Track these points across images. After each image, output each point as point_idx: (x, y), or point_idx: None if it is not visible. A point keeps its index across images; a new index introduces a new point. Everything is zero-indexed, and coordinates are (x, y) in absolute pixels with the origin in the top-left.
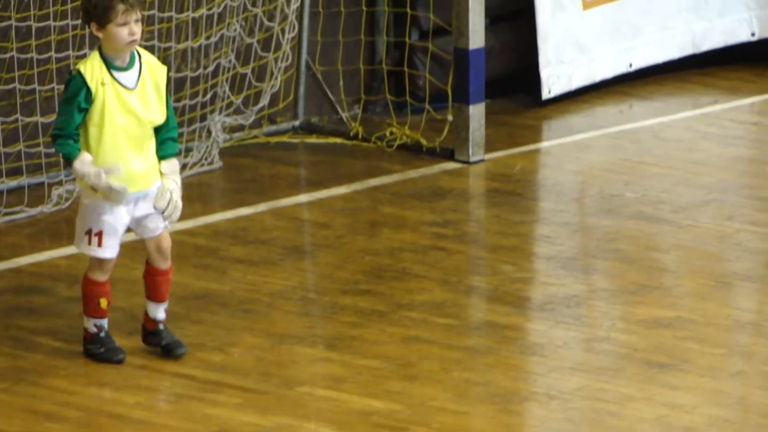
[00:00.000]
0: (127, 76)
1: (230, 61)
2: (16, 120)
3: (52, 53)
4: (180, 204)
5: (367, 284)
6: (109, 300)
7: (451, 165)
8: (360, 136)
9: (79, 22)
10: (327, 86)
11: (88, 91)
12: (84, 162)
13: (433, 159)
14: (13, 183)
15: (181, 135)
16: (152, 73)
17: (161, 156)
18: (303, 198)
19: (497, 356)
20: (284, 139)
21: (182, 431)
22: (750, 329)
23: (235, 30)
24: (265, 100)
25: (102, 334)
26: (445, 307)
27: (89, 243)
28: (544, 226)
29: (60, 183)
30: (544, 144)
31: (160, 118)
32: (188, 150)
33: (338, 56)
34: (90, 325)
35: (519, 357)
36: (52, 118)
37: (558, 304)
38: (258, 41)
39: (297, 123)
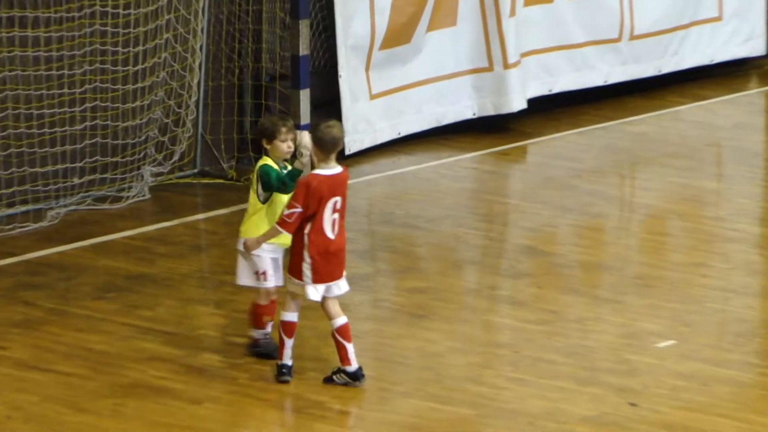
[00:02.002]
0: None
1: (155, 133)
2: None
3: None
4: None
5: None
6: (271, 317)
7: None
8: (234, 178)
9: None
10: (214, 148)
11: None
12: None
13: None
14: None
15: (123, 179)
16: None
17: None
18: (200, 216)
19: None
20: (188, 180)
21: (127, 359)
22: (474, 293)
23: (158, 114)
24: (176, 157)
25: (264, 340)
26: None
27: (257, 279)
28: (347, 231)
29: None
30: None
31: None
32: (129, 188)
33: (221, 129)
34: (255, 333)
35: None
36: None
37: (356, 279)
38: (172, 121)
39: (196, 170)
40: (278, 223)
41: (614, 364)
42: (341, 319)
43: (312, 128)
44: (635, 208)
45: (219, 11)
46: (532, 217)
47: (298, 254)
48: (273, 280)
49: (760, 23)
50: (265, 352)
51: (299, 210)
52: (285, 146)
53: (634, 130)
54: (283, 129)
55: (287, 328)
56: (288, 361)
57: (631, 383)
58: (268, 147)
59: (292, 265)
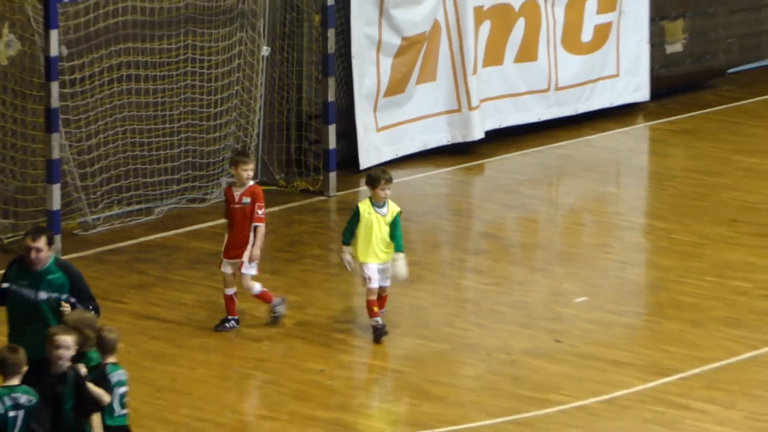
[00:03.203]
0: (382, 210)
1: (229, 154)
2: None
3: None
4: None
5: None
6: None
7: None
8: (283, 185)
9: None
10: (269, 165)
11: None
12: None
13: (312, 195)
14: None
15: (207, 186)
16: (392, 210)
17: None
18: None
19: None
20: None
21: (210, 311)
22: (448, 265)
23: (231, 141)
24: None
25: (379, 325)
26: None
27: (364, 283)
28: None
29: None
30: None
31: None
32: (211, 192)
33: (274, 152)
34: (373, 321)
35: None
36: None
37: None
38: (240, 146)
39: (257, 180)
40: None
41: (545, 313)
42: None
43: None
44: (559, 206)
45: (273, 71)
46: (488, 212)
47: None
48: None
49: (645, 78)
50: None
51: None
52: (383, 194)
53: (559, 152)
54: (383, 179)
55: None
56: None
57: (557, 326)
58: (371, 192)
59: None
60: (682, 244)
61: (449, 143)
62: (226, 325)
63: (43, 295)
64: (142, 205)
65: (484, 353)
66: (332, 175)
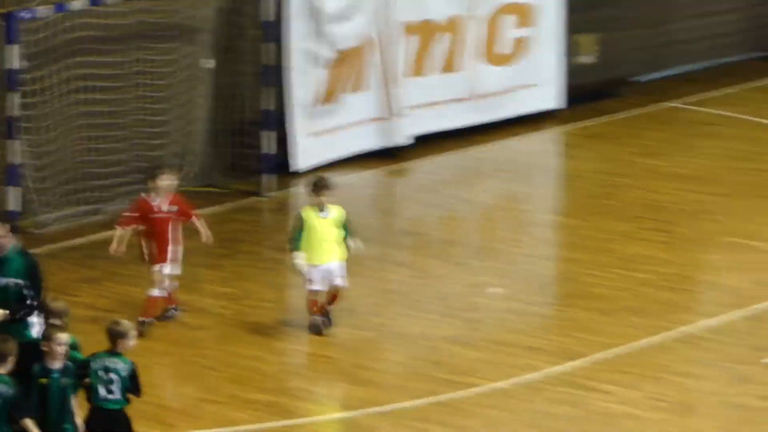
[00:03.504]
0: (324, 214)
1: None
2: None
3: None
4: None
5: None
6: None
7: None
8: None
9: None
10: (211, 168)
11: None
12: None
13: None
14: None
15: None
16: (339, 213)
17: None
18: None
19: None
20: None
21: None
22: (374, 260)
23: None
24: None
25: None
26: None
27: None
28: None
29: None
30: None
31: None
32: None
33: (215, 155)
34: (311, 318)
35: None
36: None
37: None
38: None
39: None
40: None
41: (463, 303)
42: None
43: None
44: (476, 205)
45: (216, 82)
46: (411, 211)
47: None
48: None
49: (559, 87)
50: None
51: None
52: (323, 199)
53: (478, 155)
54: (322, 188)
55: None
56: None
57: (475, 315)
58: (312, 198)
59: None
60: (591, 239)
61: (377, 148)
62: (167, 315)
63: (2, 280)
64: (92, 205)
65: (409, 341)
66: (268, 178)
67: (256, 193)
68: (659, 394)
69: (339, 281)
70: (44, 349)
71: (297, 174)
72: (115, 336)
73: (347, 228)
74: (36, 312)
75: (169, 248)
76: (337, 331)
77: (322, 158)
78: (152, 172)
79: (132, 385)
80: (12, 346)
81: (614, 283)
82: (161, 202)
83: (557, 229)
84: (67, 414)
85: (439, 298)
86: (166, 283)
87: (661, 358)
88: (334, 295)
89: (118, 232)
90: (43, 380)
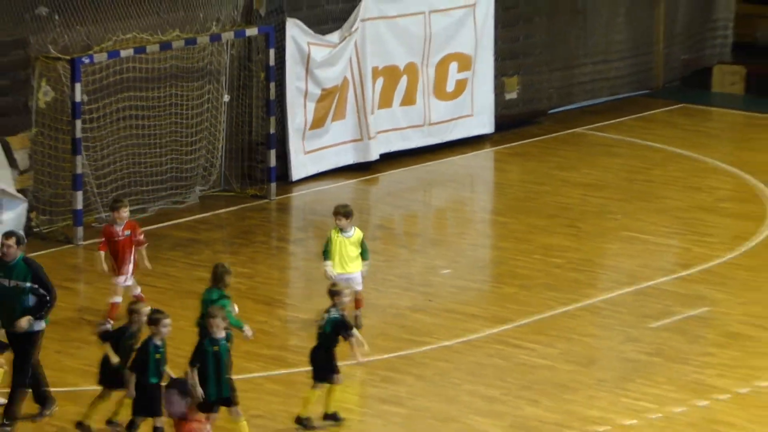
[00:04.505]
0: (348, 234)
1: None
2: None
3: None
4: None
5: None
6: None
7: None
8: (239, 192)
9: None
10: (229, 177)
11: (330, 240)
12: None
13: (258, 198)
14: None
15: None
16: (357, 234)
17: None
18: (222, 210)
19: None
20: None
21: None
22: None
23: (202, 160)
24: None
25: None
26: None
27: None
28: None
29: None
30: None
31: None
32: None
33: (233, 168)
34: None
35: None
36: None
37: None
38: (209, 164)
39: (220, 188)
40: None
41: (422, 281)
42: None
43: None
44: (431, 207)
45: (231, 112)
46: (381, 211)
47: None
48: None
49: (491, 117)
50: None
51: None
52: (340, 223)
53: (431, 169)
54: (341, 215)
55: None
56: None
57: (430, 290)
58: (336, 221)
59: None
60: (517, 232)
61: (354, 162)
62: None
63: (12, 282)
64: (139, 206)
65: (379, 309)
66: (272, 185)
67: (264, 197)
68: (569, 351)
69: (358, 287)
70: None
71: (293, 183)
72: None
73: (364, 246)
74: (49, 306)
75: (127, 266)
76: (324, 302)
77: (312, 171)
78: (112, 205)
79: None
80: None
81: (534, 266)
82: (122, 228)
83: (491, 224)
84: None
85: (402, 277)
86: (120, 292)
87: (571, 323)
88: (358, 299)
89: (101, 254)
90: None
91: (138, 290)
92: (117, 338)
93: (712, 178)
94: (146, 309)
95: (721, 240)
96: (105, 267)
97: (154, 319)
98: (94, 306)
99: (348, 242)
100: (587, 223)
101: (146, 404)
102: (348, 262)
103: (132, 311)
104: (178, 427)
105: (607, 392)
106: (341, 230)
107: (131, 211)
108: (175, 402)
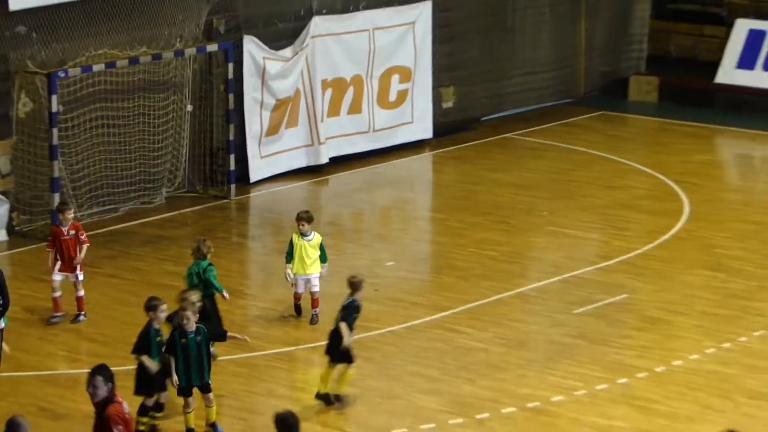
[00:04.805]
0: (308, 238)
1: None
2: None
3: None
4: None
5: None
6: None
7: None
8: (201, 193)
9: None
10: (193, 180)
11: (292, 242)
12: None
13: (219, 199)
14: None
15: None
16: (317, 238)
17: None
18: (187, 209)
19: None
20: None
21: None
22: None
23: (167, 164)
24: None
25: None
26: None
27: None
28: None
29: None
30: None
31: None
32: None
33: (195, 171)
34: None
35: None
36: None
37: (255, 236)
38: (174, 166)
39: (184, 189)
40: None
41: (368, 272)
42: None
43: None
44: (376, 205)
45: (194, 120)
46: (330, 209)
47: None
48: None
49: (429, 124)
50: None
51: None
52: (302, 228)
53: (375, 171)
54: (302, 219)
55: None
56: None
57: (376, 280)
58: (297, 226)
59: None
60: (453, 228)
61: (306, 165)
62: (53, 320)
63: None
64: (111, 206)
65: (330, 298)
66: (232, 187)
67: (225, 197)
68: (502, 334)
69: (315, 288)
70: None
71: (251, 184)
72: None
73: (323, 249)
74: (3, 310)
75: (73, 263)
76: (280, 293)
77: (268, 173)
78: (58, 207)
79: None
80: None
81: (470, 258)
82: (67, 228)
83: (431, 221)
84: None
85: (351, 269)
86: (80, 286)
87: (503, 310)
88: (315, 299)
89: (48, 252)
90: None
91: (81, 293)
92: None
93: (629, 178)
94: (195, 297)
95: (638, 234)
96: (50, 264)
97: (153, 306)
98: (70, 296)
99: (308, 245)
100: (517, 219)
101: (152, 383)
102: (308, 265)
103: (183, 299)
104: (100, 408)
105: (537, 372)
106: (302, 234)
107: (103, 211)
108: (99, 386)
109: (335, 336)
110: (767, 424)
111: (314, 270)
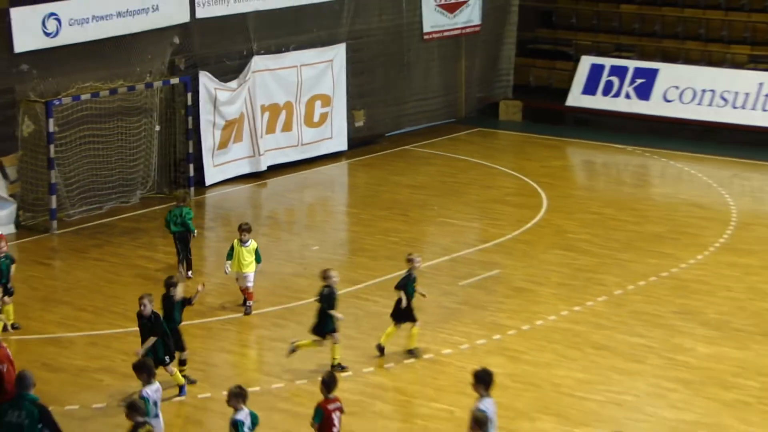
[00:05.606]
0: (246, 244)
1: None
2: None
3: None
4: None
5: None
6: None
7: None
8: (168, 194)
9: None
10: (161, 183)
11: (233, 246)
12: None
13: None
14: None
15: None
16: (253, 244)
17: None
18: (157, 207)
19: None
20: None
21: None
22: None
23: (141, 169)
24: (148, 185)
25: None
26: None
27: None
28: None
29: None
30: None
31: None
32: (131, 197)
33: (162, 176)
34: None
35: None
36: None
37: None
38: (145, 171)
39: (154, 191)
40: None
41: (298, 255)
42: None
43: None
44: (305, 202)
45: (162, 137)
46: (269, 207)
47: None
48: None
49: (344, 139)
50: None
51: None
52: (242, 236)
53: (304, 176)
54: (242, 230)
55: None
56: None
57: (303, 261)
58: (239, 234)
59: None
60: (364, 220)
61: (249, 172)
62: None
63: None
64: (97, 204)
65: (267, 275)
66: (192, 189)
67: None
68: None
69: (249, 284)
70: None
71: (206, 186)
72: (167, 285)
73: (257, 253)
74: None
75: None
76: (221, 272)
77: (220, 178)
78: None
79: None
80: None
81: (377, 243)
82: None
83: (347, 215)
84: None
85: (284, 252)
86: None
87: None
88: (249, 293)
89: None
90: None
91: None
92: None
93: (500, 179)
94: (334, 273)
95: (508, 223)
96: None
97: (173, 283)
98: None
99: (245, 250)
100: (414, 212)
101: (175, 343)
102: (244, 265)
103: (325, 276)
104: None
105: (430, 331)
106: (242, 241)
107: (90, 209)
108: None
109: (398, 303)
110: (608, 367)
111: (249, 269)
